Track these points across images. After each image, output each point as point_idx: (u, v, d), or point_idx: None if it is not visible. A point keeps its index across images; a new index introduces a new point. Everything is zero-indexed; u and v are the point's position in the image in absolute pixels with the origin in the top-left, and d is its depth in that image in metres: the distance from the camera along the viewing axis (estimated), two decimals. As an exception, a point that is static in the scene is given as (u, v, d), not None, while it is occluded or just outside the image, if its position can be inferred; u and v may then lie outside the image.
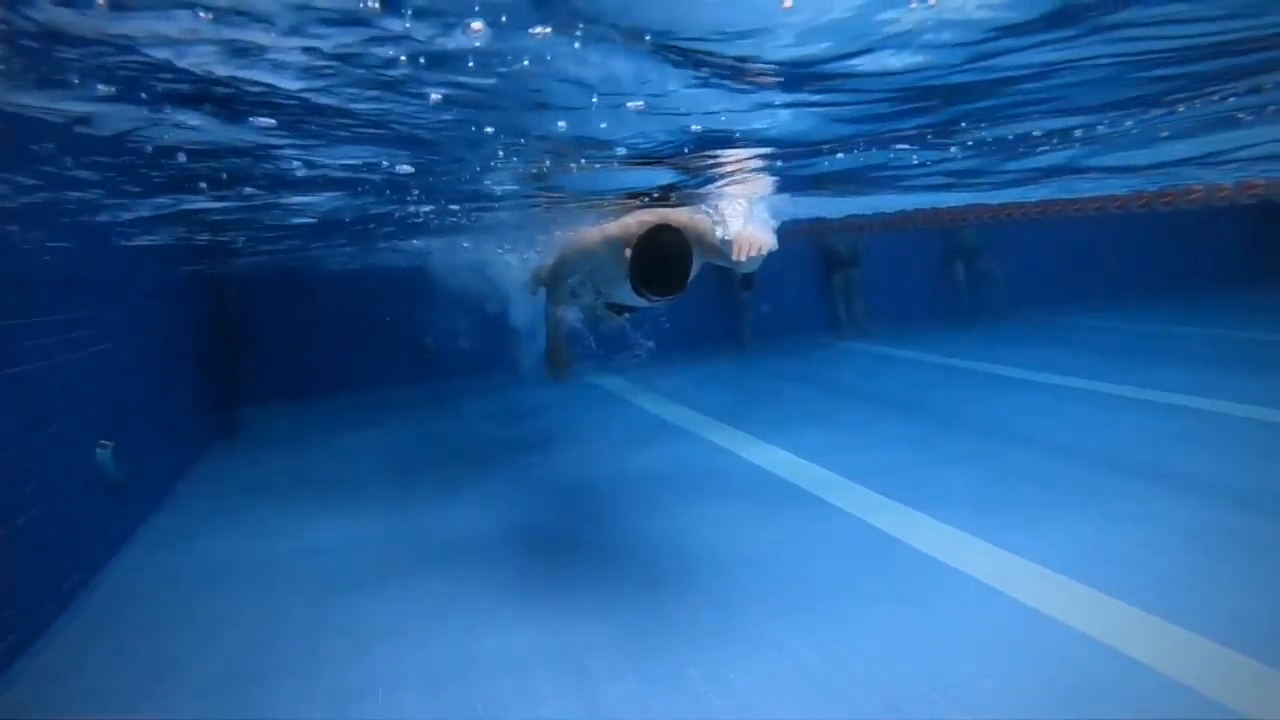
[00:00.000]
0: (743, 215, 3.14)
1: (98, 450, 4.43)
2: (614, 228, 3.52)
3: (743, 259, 2.75)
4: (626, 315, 4.41)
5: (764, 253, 2.74)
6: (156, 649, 3.45)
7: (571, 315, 4.66)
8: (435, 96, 2.37)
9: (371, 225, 5.28)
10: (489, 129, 2.87)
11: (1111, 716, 2.51)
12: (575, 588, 3.76)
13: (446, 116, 2.63)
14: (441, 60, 2.06)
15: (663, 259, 3.09)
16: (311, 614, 3.67)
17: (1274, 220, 12.49)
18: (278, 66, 2.07)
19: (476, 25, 1.81)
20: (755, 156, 3.54)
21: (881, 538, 4.09)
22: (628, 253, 3.19)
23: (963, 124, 3.33)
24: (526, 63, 2.10)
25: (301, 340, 9.65)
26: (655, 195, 4.30)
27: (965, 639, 3.05)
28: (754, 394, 8.27)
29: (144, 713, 2.95)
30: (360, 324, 9.87)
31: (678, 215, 3.44)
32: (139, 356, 5.56)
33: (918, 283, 12.20)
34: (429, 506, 5.13)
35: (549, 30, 1.87)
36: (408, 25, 1.82)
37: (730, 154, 3.47)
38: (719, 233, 3.05)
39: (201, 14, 1.75)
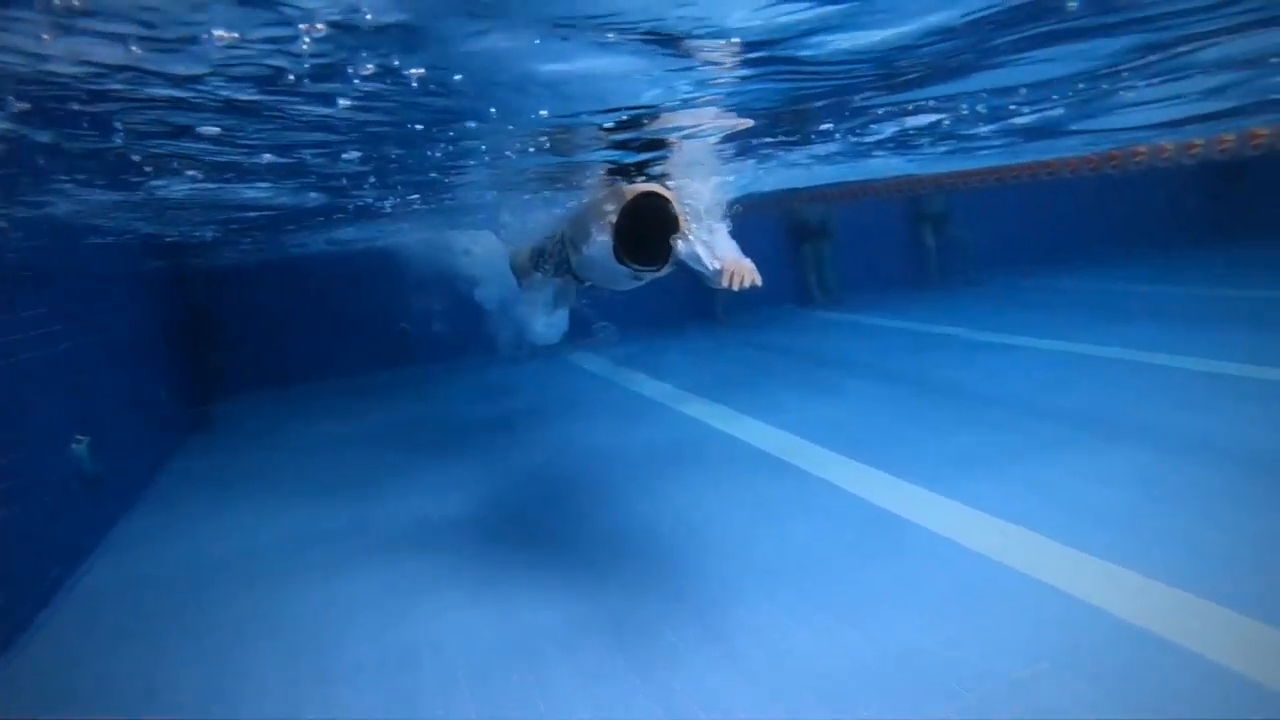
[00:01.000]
0: (731, 244, 3.12)
1: (73, 445, 4.45)
2: (592, 204, 3.56)
3: (733, 288, 2.77)
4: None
5: (754, 285, 2.78)
6: (137, 643, 3.50)
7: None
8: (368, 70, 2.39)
9: (335, 214, 5.27)
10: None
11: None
12: (539, 571, 3.86)
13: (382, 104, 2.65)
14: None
15: (646, 227, 3.07)
16: (286, 603, 3.73)
17: (1235, 179, 12.73)
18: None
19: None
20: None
21: (860, 503, 4.23)
22: (607, 228, 3.19)
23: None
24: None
25: (277, 331, 9.62)
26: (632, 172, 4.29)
27: (943, 598, 3.20)
28: (730, 366, 8.36)
29: (126, 706, 2.99)
30: (335, 312, 9.83)
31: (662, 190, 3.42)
32: (112, 352, 5.55)
33: (887, 250, 12.32)
34: (402, 492, 5.18)
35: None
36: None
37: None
38: (707, 261, 3.02)
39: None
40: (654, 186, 3.45)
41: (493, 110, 2.88)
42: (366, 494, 5.19)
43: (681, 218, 3.17)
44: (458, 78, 2.42)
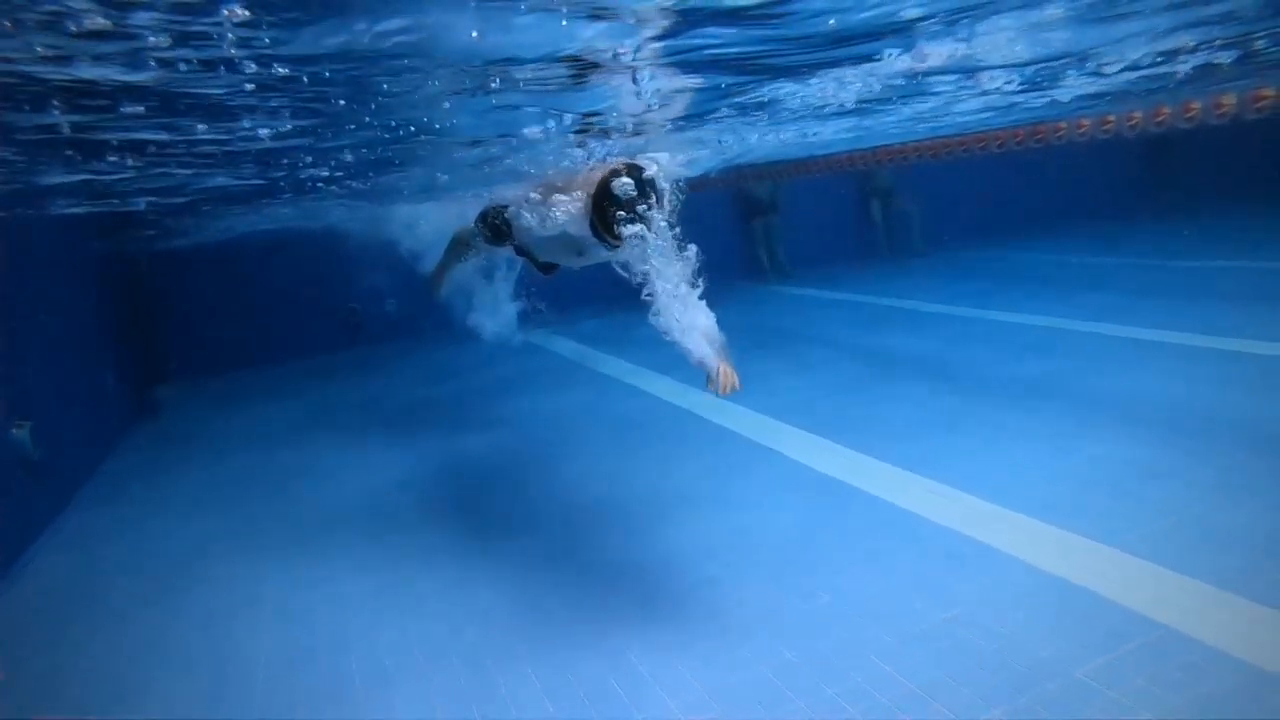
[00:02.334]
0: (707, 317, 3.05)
1: (14, 430, 4.43)
2: (562, 180, 3.59)
3: (723, 393, 2.82)
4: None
5: (735, 389, 2.82)
6: (80, 627, 3.54)
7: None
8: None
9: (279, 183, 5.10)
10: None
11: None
12: (477, 546, 3.99)
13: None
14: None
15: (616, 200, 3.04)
16: (233, 586, 3.79)
17: (1170, 155, 13.22)
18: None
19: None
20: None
21: (813, 474, 4.41)
22: (577, 200, 3.26)
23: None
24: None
25: (224, 314, 9.50)
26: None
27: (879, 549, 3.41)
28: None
29: (65, 695, 3.03)
30: (283, 294, 9.73)
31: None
32: (52, 337, 5.49)
33: (836, 224, 12.55)
34: (342, 474, 5.27)
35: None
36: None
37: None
38: (685, 342, 2.97)
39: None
40: (635, 160, 3.34)
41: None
42: (304, 478, 5.25)
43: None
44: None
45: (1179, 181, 13.42)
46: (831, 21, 2.84)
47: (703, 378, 2.89)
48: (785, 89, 3.94)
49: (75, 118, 2.93)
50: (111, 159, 3.66)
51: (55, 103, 2.70)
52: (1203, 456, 3.85)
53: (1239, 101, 5.51)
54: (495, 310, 7.37)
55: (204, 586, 3.77)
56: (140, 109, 2.81)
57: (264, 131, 3.37)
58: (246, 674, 2.97)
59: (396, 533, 4.13)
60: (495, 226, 4.19)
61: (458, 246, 4.89)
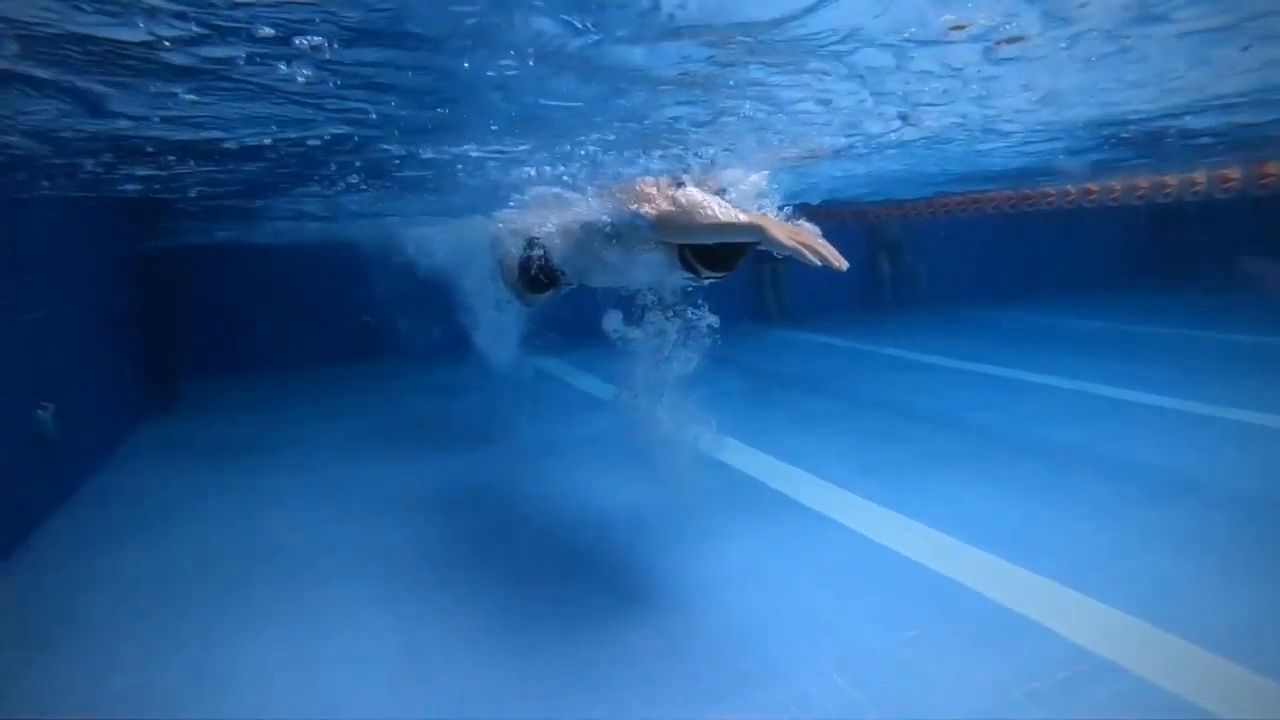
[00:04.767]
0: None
1: (38, 411, 4.64)
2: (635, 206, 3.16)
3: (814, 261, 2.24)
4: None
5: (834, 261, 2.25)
6: (84, 601, 3.69)
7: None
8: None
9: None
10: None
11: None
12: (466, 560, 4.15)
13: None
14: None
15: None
16: (231, 572, 3.95)
17: (1167, 226, 13.52)
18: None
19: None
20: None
21: (781, 498, 4.59)
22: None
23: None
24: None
25: (244, 318, 9.79)
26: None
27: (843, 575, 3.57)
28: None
29: (73, 671, 3.19)
30: (301, 301, 10.03)
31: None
32: (78, 326, 5.73)
33: (844, 275, 12.74)
34: (348, 476, 5.47)
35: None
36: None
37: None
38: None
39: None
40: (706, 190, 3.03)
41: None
42: (316, 476, 5.45)
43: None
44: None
45: (1181, 254, 13.69)
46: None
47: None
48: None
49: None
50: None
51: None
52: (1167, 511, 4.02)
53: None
54: (504, 335, 7.54)
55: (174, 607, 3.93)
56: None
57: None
58: None
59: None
60: (536, 279, 3.79)
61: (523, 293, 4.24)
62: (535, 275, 3.77)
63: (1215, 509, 4.06)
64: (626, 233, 3.14)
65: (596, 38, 2.29)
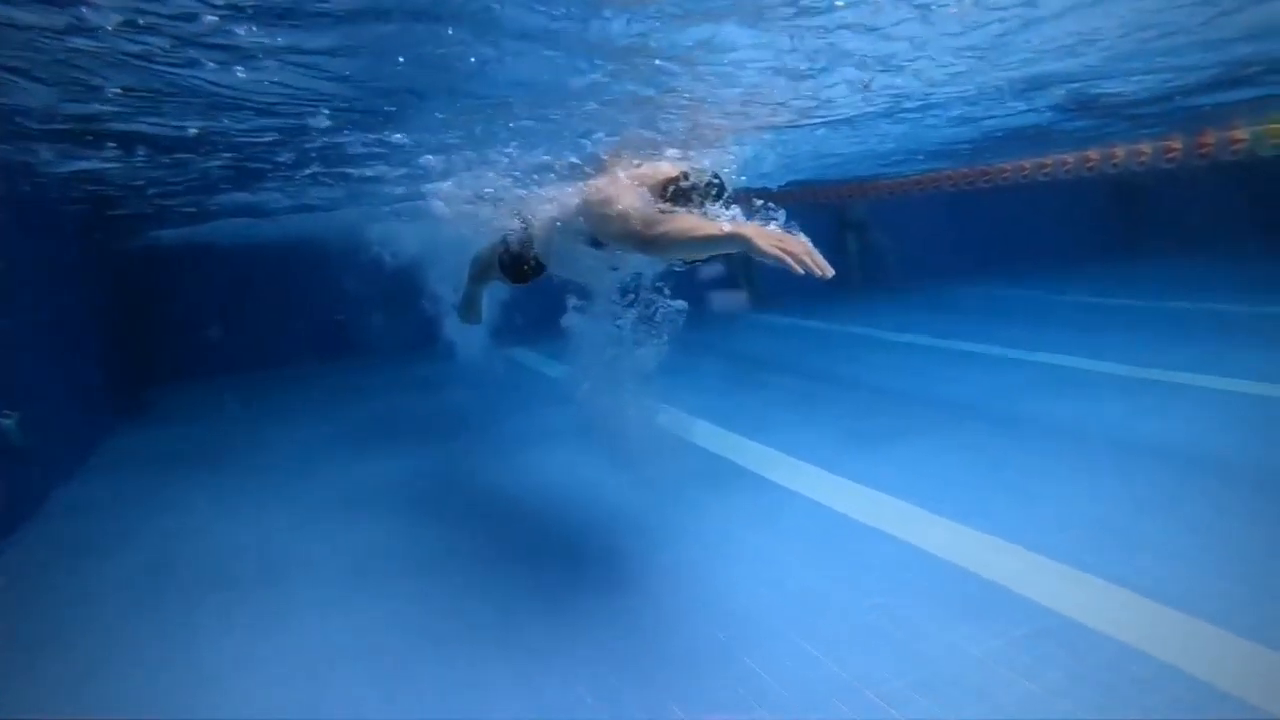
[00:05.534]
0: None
1: (1, 419, 4.58)
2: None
3: (796, 269, 2.20)
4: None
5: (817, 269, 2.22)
6: (52, 614, 3.67)
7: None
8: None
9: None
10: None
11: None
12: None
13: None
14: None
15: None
16: (191, 590, 3.88)
17: (1132, 198, 13.80)
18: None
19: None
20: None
21: (752, 476, 4.70)
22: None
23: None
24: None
25: (211, 318, 9.68)
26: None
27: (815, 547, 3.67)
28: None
29: (41, 683, 3.15)
30: (273, 301, 9.94)
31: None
32: (42, 335, 5.65)
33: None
34: (315, 479, 5.46)
35: None
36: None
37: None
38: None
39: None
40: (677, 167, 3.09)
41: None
42: (284, 480, 5.42)
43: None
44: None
45: (1142, 226, 14.00)
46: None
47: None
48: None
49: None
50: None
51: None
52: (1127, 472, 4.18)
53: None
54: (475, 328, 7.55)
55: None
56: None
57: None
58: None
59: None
60: (523, 271, 3.88)
61: (484, 270, 4.42)
62: (523, 268, 3.87)
63: (1177, 469, 4.20)
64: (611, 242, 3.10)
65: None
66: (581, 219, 3.24)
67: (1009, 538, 3.51)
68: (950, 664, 2.66)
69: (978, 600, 3.05)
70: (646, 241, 2.76)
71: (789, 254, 2.18)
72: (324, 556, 3.98)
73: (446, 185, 4.88)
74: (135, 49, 2.64)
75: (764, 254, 2.22)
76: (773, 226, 2.43)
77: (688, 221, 2.60)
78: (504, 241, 3.99)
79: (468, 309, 4.73)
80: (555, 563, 3.73)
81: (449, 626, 3.19)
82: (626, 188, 2.99)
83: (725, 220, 2.59)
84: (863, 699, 2.52)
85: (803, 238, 2.28)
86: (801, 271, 2.17)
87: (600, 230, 3.07)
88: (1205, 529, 3.48)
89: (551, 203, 3.86)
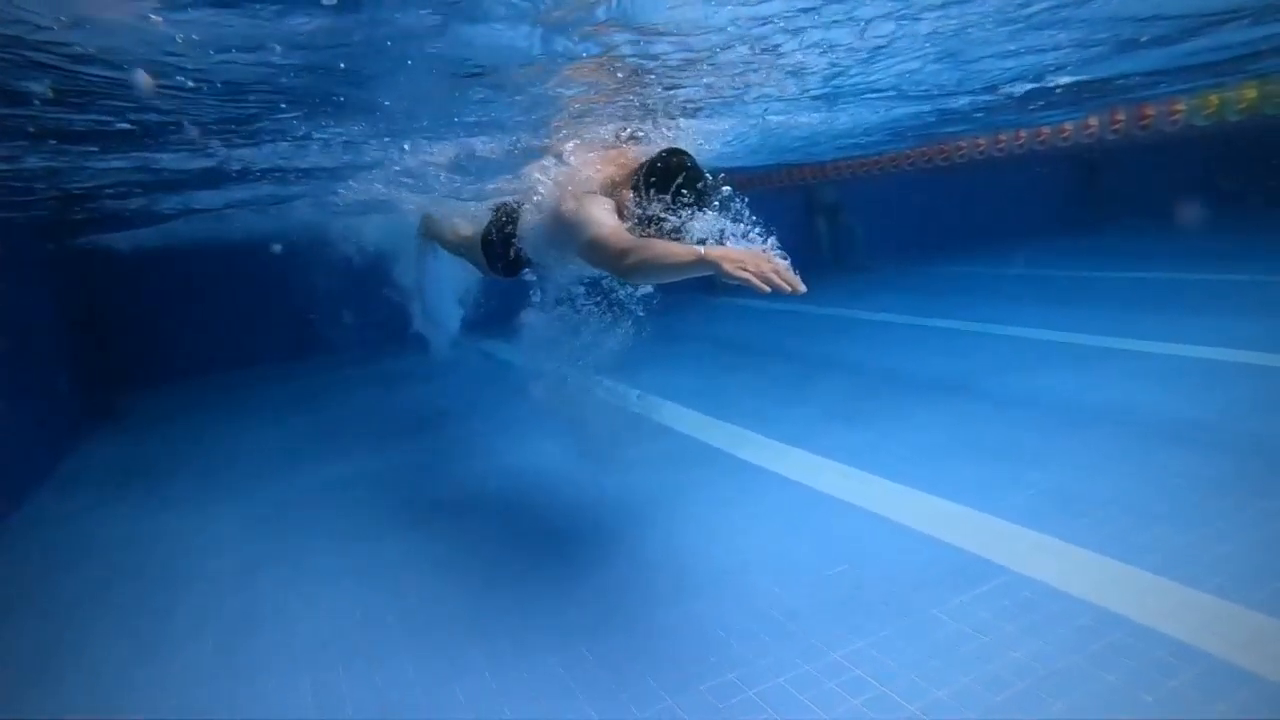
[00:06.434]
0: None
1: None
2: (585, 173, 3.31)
3: (764, 288, 2.21)
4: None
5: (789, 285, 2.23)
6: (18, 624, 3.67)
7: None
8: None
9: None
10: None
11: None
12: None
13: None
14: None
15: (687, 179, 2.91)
16: (172, 592, 3.93)
17: (1094, 174, 14.06)
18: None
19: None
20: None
21: (726, 457, 4.78)
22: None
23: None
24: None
25: (182, 319, 9.58)
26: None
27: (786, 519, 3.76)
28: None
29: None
30: (242, 301, 9.85)
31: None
32: (1, 341, 5.58)
33: (783, 238, 12.98)
34: (293, 481, 5.49)
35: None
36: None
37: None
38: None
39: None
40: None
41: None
42: (259, 483, 5.40)
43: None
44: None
45: (1107, 201, 14.27)
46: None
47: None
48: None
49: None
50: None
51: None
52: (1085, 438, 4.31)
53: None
54: (447, 318, 7.54)
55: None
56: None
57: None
58: None
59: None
60: (511, 262, 3.85)
61: (455, 245, 4.42)
62: (512, 260, 3.81)
63: (1143, 435, 4.32)
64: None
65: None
66: (557, 228, 3.24)
67: (977, 506, 3.62)
68: (914, 623, 2.77)
69: (944, 564, 3.15)
70: (620, 273, 2.81)
71: (756, 276, 2.20)
72: (300, 554, 4.01)
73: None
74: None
75: (730, 278, 2.24)
76: (758, 244, 2.49)
77: (659, 248, 2.61)
78: (498, 219, 3.85)
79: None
80: (531, 549, 3.78)
81: (428, 614, 3.25)
82: (600, 205, 3.00)
83: (695, 244, 2.62)
84: (827, 660, 2.62)
85: (775, 257, 2.30)
86: (768, 290, 2.19)
87: (573, 249, 3.10)
88: (1174, 492, 3.58)
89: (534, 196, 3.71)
